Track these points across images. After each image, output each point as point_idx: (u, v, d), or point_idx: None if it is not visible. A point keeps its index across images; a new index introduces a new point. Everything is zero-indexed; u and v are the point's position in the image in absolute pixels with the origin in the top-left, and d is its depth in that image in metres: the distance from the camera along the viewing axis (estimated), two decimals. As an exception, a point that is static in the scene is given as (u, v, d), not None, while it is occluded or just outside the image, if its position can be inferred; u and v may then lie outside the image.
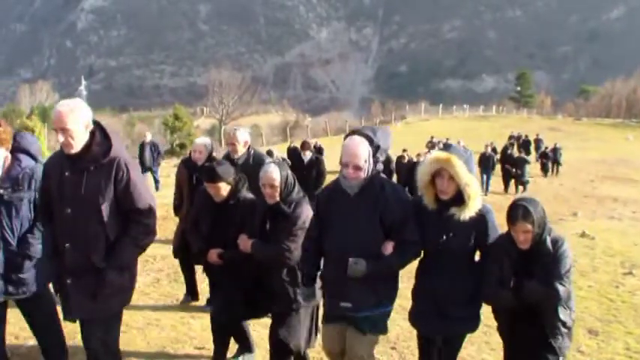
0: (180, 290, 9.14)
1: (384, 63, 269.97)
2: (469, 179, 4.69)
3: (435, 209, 4.84)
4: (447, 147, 4.99)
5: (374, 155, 4.83)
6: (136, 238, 4.78)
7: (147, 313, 8.25)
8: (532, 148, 38.97)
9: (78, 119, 4.56)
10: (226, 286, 6.01)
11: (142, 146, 24.08)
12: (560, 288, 4.61)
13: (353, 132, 5.00)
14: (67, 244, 4.70)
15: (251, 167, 7.28)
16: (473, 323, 5.07)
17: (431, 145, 33.23)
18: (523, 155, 28.22)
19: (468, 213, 4.71)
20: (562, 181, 30.67)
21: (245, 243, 5.64)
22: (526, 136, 40.10)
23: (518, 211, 4.62)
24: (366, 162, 4.77)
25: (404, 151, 24.95)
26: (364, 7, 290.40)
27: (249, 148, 8.06)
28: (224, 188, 5.98)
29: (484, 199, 5.04)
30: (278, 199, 5.56)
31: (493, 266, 4.79)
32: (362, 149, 4.76)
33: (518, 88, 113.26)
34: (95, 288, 4.65)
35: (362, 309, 4.85)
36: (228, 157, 7.92)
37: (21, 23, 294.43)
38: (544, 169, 33.32)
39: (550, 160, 33.71)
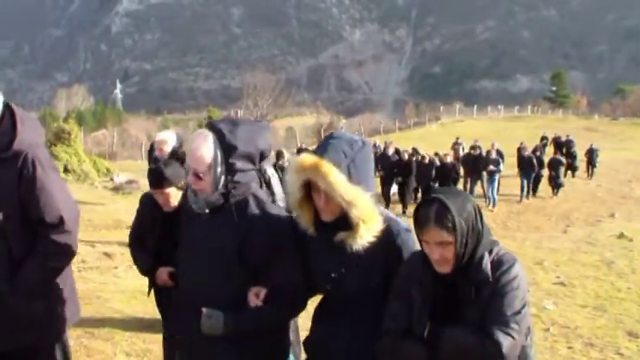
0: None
1: (418, 64, 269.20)
2: (353, 195, 3.05)
3: (320, 236, 3.26)
4: (326, 142, 3.23)
5: (227, 160, 3.31)
6: (44, 257, 3.69)
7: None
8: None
9: None
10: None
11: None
12: (503, 339, 2.75)
13: (208, 125, 3.49)
14: None
15: None
16: None
17: (456, 147, 32.78)
18: (558, 156, 27.90)
19: (360, 241, 3.11)
20: (599, 181, 30.30)
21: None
22: (559, 137, 39.59)
23: (428, 211, 2.83)
24: (210, 169, 3.30)
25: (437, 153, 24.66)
26: (397, 9, 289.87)
27: None
28: (174, 195, 4.91)
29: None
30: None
31: (395, 304, 3.08)
32: (205, 150, 3.30)
33: (554, 88, 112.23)
34: None
35: None
36: None
37: (57, 28, 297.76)
38: (551, 182, 27.09)
39: (578, 161, 33.00)
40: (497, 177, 23.79)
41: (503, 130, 59.18)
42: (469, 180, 26.00)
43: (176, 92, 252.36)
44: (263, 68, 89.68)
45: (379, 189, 22.07)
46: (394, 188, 23.16)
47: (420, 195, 23.82)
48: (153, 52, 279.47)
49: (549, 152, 33.42)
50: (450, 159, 22.07)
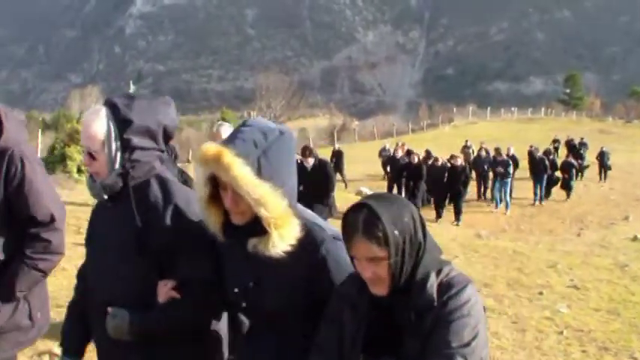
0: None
1: (431, 66, 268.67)
2: (261, 193, 2.53)
3: (232, 242, 2.76)
4: (236, 130, 2.72)
5: (121, 135, 2.92)
6: (31, 258, 3.52)
7: None
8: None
9: None
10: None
11: None
12: None
13: (106, 102, 3.06)
14: None
15: None
16: None
17: (466, 151, 32.45)
18: (570, 159, 27.80)
19: (273, 249, 2.59)
20: (612, 184, 30.23)
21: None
22: (572, 140, 39.35)
23: (355, 219, 2.32)
24: (104, 146, 2.92)
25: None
26: (411, 10, 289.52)
27: None
28: None
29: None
30: None
31: (323, 332, 2.56)
32: (97, 126, 2.92)
33: (567, 90, 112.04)
34: None
35: None
36: None
37: (71, 29, 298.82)
38: (564, 185, 26.85)
39: (586, 164, 32.81)
40: (509, 180, 23.72)
41: (517, 133, 59.03)
42: (482, 183, 25.98)
43: (189, 94, 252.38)
44: (276, 70, 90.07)
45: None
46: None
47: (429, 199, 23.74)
48: (166, 53, 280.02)
49: (561, 155, 33.29)
50: (460, 162, 21.89)
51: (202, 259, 2.86)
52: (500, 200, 23.75)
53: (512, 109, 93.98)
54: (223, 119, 53.99)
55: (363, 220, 2.28)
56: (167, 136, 3.06)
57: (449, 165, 21.84)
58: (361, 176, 30.28)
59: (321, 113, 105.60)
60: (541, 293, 10.16)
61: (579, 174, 31.45)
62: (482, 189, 26.26)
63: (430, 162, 23.49)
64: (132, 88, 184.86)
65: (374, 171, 29.17)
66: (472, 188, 25.58)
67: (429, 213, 21.75)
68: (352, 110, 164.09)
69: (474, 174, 27.77)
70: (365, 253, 2.29)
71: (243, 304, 2.77)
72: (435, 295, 2.31)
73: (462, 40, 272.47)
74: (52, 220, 3.57)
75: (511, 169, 23.83)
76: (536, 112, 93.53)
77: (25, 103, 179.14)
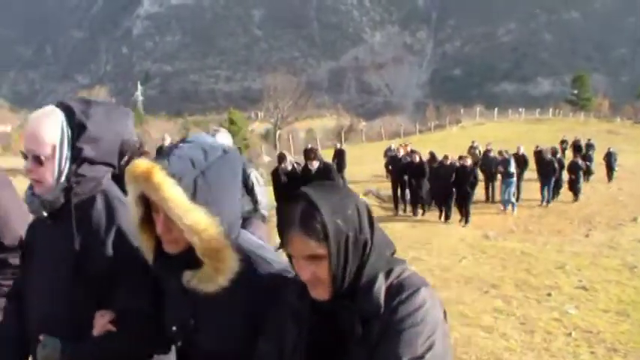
0: None
1: (439, 67, 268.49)
2: (195, 219, 2.19)
3: (169, 273, 2.45)
4: (175, 146, 2.36)
5: (74, 143, 2.60)
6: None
7: None
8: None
9: None
10: None
11: (159, 150, 17.56)
12: None
13: (60, 104, 2.70)
14: None
15: None
16: None
17: (473, 152, 32.09)
18: (577, 160, 27.70)
19: (208, 285, 2.29)
20: (620, 185, 30.14)
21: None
22: (578, 140, 39.13)
23: (291, 212, 2.02)
24: (55, 151, 2.59)
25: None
26: (418, 11, 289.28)
27: None
28: None
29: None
30: None
31: (262, 345, 2.23)
32: (51, 128, 2.58)
33: (575, 91, 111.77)
34: None
35: None
36: None
37: (79, 30, 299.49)
38: (571, 187, 26.81)
39: (590, 165, 32.56)
40: (512, 180, 23.62)
41: (524, 133, 58.92)
42: (490, 184, 25.92)
43: (197, 94, 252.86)
44: (284, 70, 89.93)
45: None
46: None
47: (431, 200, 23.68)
48: (173, 54, 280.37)
49: (569, 156, 33.17)
50: (469, 162, 21.75)
51: (143, 288, 2.57)
52: (507, 201, 23.66)
53: (520, 109, 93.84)
54: (231, 120, 54.13)
55: (300, 212, 1.97)
56: (122, 152, 2.73)
57: (458, 165, 21.69)
58: (368, 177, 30.25)
59: (328, 114, 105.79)
60: (549, 294, 10.15)
61: (587, 175, 31.21)
62: (490, 190, 26.16)
63: (439, 161, 23.33)
64: (139, 89, 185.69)
65: (381, 171, 29.11)
66: (480, 189, 25.55)
67: (433, 215, 21.71)
68: (359, 111, 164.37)
69: (481, 175, 27.80)
70: (302, 250, 1.99)
71: (178, 344, 2.48)
72: (382, 300, 1.99)
73: (469, 40, 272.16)
74: (21, 244, 3.15)
75: (511, 169, 23.65)
76: (543, 113, 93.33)
77: (32, 104, 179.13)
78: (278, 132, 64.58)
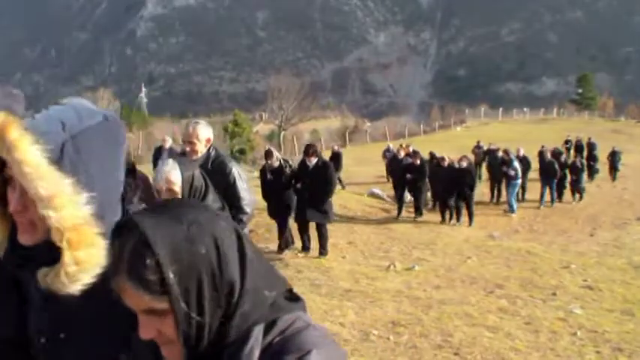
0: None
1: (443, 67, 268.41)
2: (54, 190, 1.62)
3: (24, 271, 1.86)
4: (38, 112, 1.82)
5: None
6: None
7: None
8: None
9: None
10: None
11: (158, 151, 18.60)
12: None
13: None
14: None
15: (210, 173, 5.03)
16: None
17: (477, 151, 31.76)
18: (577, 160, 27.57)
19: (66, 280, 1.67)
20: (625, 184, 30.09)
21: None
22: (579, 140, 38.93)
23: (120, 248, 1.35)
24: None
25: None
26: (422, 11, 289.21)
27: (209, 149, 6.31)
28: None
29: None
30: None
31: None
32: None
33: (580, 91, 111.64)
34: None
35: None
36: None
37: (83, 32, 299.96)
38: (573, 187, 26.30)
39: (594, 164, 32.36)
40: (516, 182, 23.45)
41: (529, 133, 58.82)
42: (495, 184, 25.79)
43: (201, 96, 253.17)
44: (288, 71, 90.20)
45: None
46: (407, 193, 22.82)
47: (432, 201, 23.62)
48: (178, 55, 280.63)
49: (572, 156, 33.04)
50: (465, 163, 21.34)
51: (4, 306, 1.91)
52: (511, 206, 23.49)
53: (525, 109, 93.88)
54: (235, 121, 54.09)
55: (129, 252, 1.34)
56: None
57: (456, 166, 21.48)
58: (372, 178, 30.20)
59: (332, 115, 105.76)
60: (554, 294, 10.13)
61: (591, 175, 31.09)
62: (495, 191, 25.97)
63: (435, 163, 23.09)
64: (143, 91, 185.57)
65: (385, 172, 29.11)
66: (485, 189, 25.50)
67: (433, 217, 21.64)
68: (364, 112, 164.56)
69: (485, 175, 27.68)
70: (136, 305, 1.38)
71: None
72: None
73: (473, 40, 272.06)
74: None
75: (514, 170, 23.50)
76: (548, 113, 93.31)
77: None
78: (282, 133, 64.60)
